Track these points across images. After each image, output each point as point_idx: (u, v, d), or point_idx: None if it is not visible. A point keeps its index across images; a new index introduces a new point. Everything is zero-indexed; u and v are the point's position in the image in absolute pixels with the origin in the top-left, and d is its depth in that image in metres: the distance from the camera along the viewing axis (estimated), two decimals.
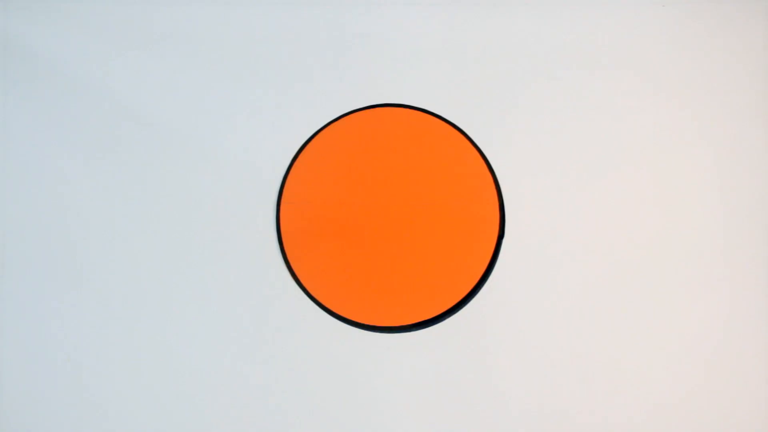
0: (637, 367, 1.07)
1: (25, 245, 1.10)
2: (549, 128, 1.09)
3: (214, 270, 1.09)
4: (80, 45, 1.10)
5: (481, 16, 1.10)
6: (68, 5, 1.10)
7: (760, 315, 1.07)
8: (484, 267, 1.08)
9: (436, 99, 1.11)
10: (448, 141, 1.10)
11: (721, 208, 1.08)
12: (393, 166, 1.09)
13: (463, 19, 1.10)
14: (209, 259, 1.09)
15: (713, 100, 1.09)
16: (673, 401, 1.07)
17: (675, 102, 1.09)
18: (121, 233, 1.09)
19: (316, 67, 1.10)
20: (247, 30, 1.10)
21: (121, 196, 1.10)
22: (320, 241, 1.09)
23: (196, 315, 1.09)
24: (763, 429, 1.07)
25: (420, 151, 1.10)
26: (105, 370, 1.09)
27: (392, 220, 1.09)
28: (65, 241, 1.10)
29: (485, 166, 1.10)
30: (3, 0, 1.10)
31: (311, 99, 1.10)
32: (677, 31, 1.10)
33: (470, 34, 1.10)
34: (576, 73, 1.09)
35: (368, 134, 1.10)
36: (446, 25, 1.10)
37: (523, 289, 1.08)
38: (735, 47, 1.09)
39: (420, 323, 1.08)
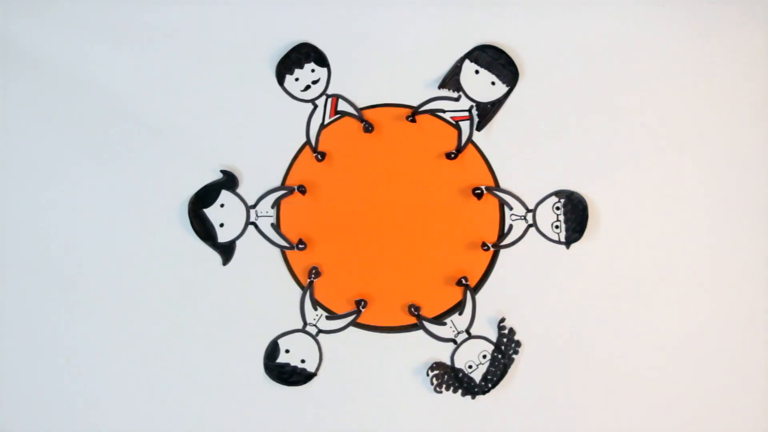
0: (639, 363, 1.07)
1: (24, 245, 1.10)
2: (548, 128, 1.09)
3: (214, 270, 1.09)
4: (82, 45, 1.10)
5: (480, 15, 1.10)
6: (69, 5, 1.10)
7: (760, 314, 1.08)
8: (484, 266, 1.08)
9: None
10: (448, 141, 1.10)
11: (721, 207, 1.08)
12: (393, 166, 1.09)
13: (463, 18, 1.10)
14: (209, 259, 1.09)
15: (713, 100, 1.09)
16: (673, 402, 1.07)
17: (674, 102, 1.09)
18: (121, 233, 1.09)
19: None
20: (248, 30, 1.10)
21: (122, 197, 1.10)
22: (319, 241, 1.09)
23: (196, 314, 1.09)
24: (764, 428, 1.07)
25: (420, 150, 1.10)
26: (105, 370, 1.09)
27: (392, 220, 1.09)
28: (65, 241, 1.10)
29: (485, 165, 1.10)
30: (3, 0, 1.11)
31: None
32: (677, 31, 1.10)
33: (470, 33, 1.10)
34: (575, 73, 1.09)
35: (368, 134, 1.10)
36: (446, 25, 1.10)
37: (523, 288, 1.08)
38: (735, 47, 1.09)
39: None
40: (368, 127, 1.09)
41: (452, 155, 1.09)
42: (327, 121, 1.10)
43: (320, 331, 1.08)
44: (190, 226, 1.08)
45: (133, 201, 1.10)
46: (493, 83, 1.09)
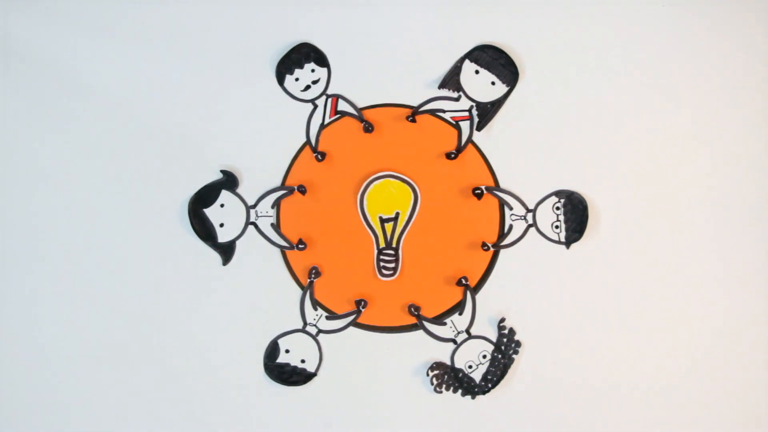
0: (639, 363, 1.07)
1: (23, 244, 1.10)
2: (548, 128, 1.09)
3: (214, 270, 1.09)
4: (82, 45, 1.10)
5: (480, 15, 1.10)
6: (69, 5, 1.10)
7: (762, 314, 1.08)
8: (484, 266, 1.08)
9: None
10: (448, 141, 1.10)
11: (722, 207, 1.08)
12: (393, 166, 1.09)
13: (463, 18, 1.10)
14: (209, 259, 1.09)
15: (713, 100, 1.09)
16: (673, 402, 1.07)
17: (674, 102, 1.09)
18: (121, 233, 1.09)
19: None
20: (248, 30, 1.10)
21: (121, 196, 1.10)
22: (319, 241, 1.09)
23: (196, 314, 1.09)
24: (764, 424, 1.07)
25: (420, 150, 1.10)
26: (105, 369, 1.09)
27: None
28: (64, 241, 1.09)
29: (485, 165, 1.10)
30: (3, 0, 1.10)
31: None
32: (677, 31, 1.10)
33: (470, 33, 1.10)
34: (575, 73, 1.09)
35: (368, 134, 1.10)
36: (446, 25, 1.10)
37: (523, 288, 1.08)
38: (735, 47, 1.09)
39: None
40: (368, 127, 1.09)
41: (452, 155, 1.09)
42: (327, 121, 1.11)
43: (320, 331, 1.08)
44: (190, 226, 1.08)
45: (133, 201, 1.10)
46: (493, 83, 1.09)
